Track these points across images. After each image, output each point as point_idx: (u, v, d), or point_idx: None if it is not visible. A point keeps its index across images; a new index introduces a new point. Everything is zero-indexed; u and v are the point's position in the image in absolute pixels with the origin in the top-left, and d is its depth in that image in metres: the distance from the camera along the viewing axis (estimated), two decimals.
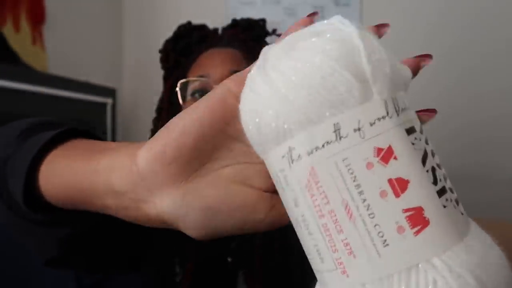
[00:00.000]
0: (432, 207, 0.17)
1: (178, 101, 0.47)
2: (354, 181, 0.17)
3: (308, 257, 0.19)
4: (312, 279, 0.20)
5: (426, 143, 0.19)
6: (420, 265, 0.17)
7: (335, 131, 0.17)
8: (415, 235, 0.17)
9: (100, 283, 0.50)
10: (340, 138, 0.17)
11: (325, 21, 0.20)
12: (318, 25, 0.20)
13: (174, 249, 0.45)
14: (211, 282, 0.46)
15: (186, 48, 0.51)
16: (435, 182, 0.18)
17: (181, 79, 0.47)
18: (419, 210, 0.17)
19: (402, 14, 1.49)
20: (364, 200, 0.17)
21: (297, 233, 0.20)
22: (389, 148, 0.17)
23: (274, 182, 0.20)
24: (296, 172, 0.18)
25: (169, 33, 0.59)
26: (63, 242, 0.29)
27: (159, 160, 0.21)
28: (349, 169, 0.17)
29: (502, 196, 1.40)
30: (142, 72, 1.60)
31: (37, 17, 1.12)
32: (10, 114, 0.94)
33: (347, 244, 0.17)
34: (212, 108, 0.21)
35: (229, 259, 0.47)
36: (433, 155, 0.19)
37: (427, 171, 0.18)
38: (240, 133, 0.21)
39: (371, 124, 0.17)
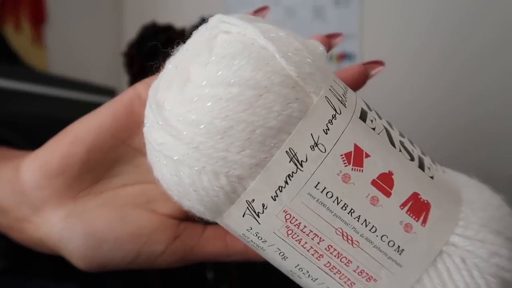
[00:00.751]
0: (424, 186, 0.15)
1: None
2: (338, 203, 0.14)
3: None
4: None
5: (379, 117, 0.17)
6: (442, 253, 0.15)
7: (291, 159, 0.14)
8: (424, 225, 0.15)
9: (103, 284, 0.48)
10: (300, 164, 0.14)
11: (203, 26, 0.17)
12: (199, 34, 0.17)
13: None
14: None
15: (151, 52, 0.48)
16: (412, 158, 0.16)
17: None
18: (415, 197, 0.15)
19: (402, 14, 1.49)
20: (358, 218, 0.14)
21: (300, 284, 0.17)
22: (356, 148, 0.14)
23: (244, 243, 0.16)
24: (268, 224, 0.15)
25: None
26: (8, 252, 0.25)
27: (43, 172, 0.17)
28: (327, 193, 0.14)
29: (502, 195, 1.40)
30: None
31: (38, 17, 1.12)
32: (10, 114, 0.94)
33: (362, 272, 0.15)
34: (116, 114, 0.18)
35: (209, 275, 0.44)
36: (391, 126, 0.17)
37: (400, 150, 0.16)
38: None
39: (326, 131, 0.14)
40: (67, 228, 0.17)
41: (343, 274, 0.15)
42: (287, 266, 0.16)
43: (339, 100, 0.15)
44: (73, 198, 0.18)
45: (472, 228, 0.16)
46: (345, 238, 0.14)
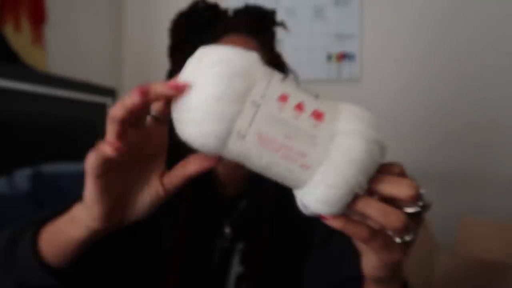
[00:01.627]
0: (312, 101, 0.28)
1: None
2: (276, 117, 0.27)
3: (286, 178, 0.27)
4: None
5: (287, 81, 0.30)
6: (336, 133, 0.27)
7: (253, 104, 0.26)
8: (312, 119, 0.27)
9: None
10: (258, 106, 0.26)
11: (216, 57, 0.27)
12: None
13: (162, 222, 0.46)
14: (200, 261, 0.47)
15: (199, 25, 0.53)
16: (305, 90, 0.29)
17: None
18: (300, 105, 0.27)
19: (402, 13, 1.49)
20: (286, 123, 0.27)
21: (273, 174, 0.27)
22: (282, 95, 0.27)
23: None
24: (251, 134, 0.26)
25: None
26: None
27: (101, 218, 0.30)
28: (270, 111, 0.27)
29: (502, 197, 1.40)
30: (142, 71, 1.60)
31: (38, 17, 1.12)
32: (10, 114, 0.94)
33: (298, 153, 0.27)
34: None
35: (226, 230, 0.48)
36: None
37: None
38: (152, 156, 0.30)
39: (264, 94, 0.26)
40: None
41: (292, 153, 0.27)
42: (261, 163, 0.27)
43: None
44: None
45: (347, 109, 0.28)
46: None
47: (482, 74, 1.44)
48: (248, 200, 0.48)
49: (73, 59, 1.27)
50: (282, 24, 0.55)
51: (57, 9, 1.19)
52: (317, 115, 0.27)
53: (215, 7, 0.53)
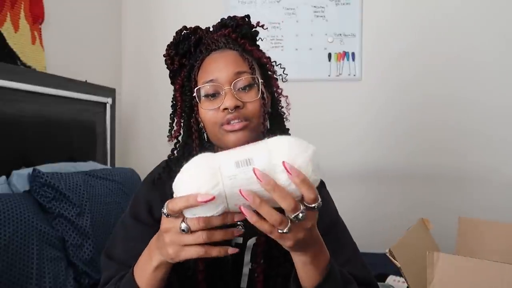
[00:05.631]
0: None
1: (189, 97, 0.56)
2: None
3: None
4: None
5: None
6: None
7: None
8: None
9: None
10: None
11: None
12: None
13: None
14: (219, 274, 0.55)
15: (187, 51, 0.58)
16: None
17: (188, 79, 0.56)
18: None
19: (401, 13, 1.49)
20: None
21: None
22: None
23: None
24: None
25: (169, 34, 0.60)
26: None
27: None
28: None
29: (502, 198, 1.40)
30: (141, 72, 1.60)
31: (36, 17, 1.12)
32: (10, 114, 0.94)
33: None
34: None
35: (239, 227, 0.54)
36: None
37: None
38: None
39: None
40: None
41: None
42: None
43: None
44: None
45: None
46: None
47: (483, 72, 1.44)
48: None
49: (72, 59, 1.27)
50: (255, 26, 0.60)
51: (56, 9, 1.19)
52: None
53: (196, 30, 0.59)
